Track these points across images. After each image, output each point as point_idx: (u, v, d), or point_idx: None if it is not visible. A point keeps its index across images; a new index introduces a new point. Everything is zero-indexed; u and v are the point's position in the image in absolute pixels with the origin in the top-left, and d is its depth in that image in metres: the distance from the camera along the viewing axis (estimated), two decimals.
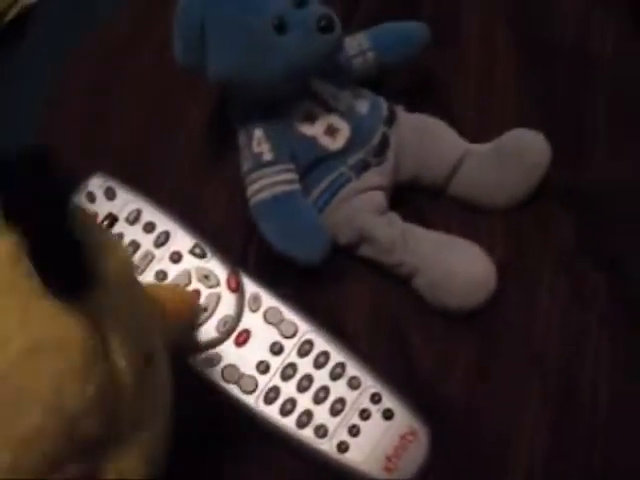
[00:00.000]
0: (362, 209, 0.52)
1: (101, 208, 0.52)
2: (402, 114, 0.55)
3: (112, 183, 0.52)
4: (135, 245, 0.51)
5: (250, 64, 0.48)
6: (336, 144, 0.51)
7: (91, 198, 0.52)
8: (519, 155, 0.54)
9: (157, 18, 0.56)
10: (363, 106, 0.53)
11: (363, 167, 0.52)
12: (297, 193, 0.51)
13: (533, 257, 0.53)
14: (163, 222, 0.51)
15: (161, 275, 0.50)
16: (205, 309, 0.49)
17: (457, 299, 0.50)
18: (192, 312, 0.47)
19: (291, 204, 0.50)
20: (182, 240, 0.51)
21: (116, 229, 0.51)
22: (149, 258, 0.50)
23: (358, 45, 0.55)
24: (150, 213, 0.51)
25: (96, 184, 0.52)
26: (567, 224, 0.54)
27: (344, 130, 0.51)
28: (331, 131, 0.51)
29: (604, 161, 0.56)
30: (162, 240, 0.51)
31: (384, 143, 0.53)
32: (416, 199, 0.56)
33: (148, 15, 0.64)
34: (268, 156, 0.50)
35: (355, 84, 0.55)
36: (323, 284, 0.53)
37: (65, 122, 0.60)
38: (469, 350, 0.51)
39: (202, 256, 0.50)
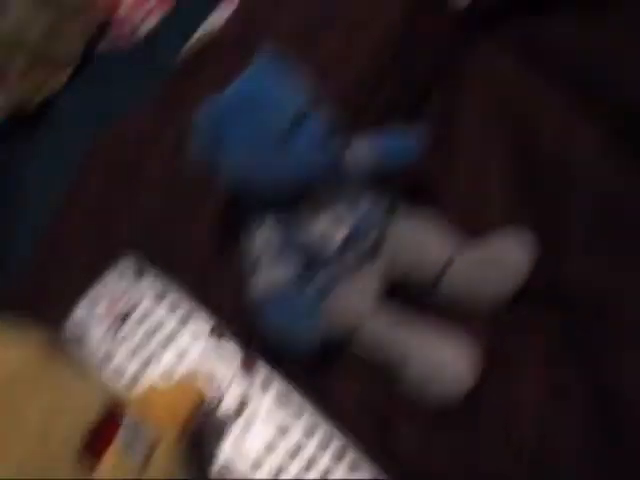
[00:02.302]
0: (355, 305, 0.55)
1: (129, 287, 0.56)
2: (399, 215, 0.59)
3: (141, 265, 0.57)
4: (159, 324, 0.55)
5: (256, 172, 0.52)
6: (335, 242, 0.56)
7: (121, 276, 0.57)
8: (502, 259, 0.58)
9: (172, 115, 0.60)
10: (362, 208, 0.57)
11: (359, 263, 0.56)
12: (295, 288, 0.54)
13: (515, 355, 0.56)
14: (186, 303, 0.56)
15: (182, 353, 0.54)
16: (219, 389, 0.53)
17: (441, 392, 0.53)
18: (202, 407, 0.51)
19: (288, 299, 0.54)
20: (202, 321, 0.55)
21: (141, 308, 0.55)
22: (172, 337, 0.55)
23: (361, 153, 0.59)
24: (174, 295, 0.56)
25: (126, 264, 0.57)
26: (550, 324, 0.57)
27: (343, 229, 0.55)
28: (331, 230, 0.55)
29: (587, 265, 0.59)
30: (184, 319, 0.56)
31: (379, 242, 0.57)
32: (407, 295, 0.59)
33: (164, 112, 0.68)
34: (270, 253, 0.54)
35: (356, 186, 0.59)
36: (316, 373, 0.56)
37: (81, 215, 0.64)
38: (452, 443, 0.53)
39: (220, 336, 0.54)
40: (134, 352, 0.54)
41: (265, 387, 0.52)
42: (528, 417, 0.53)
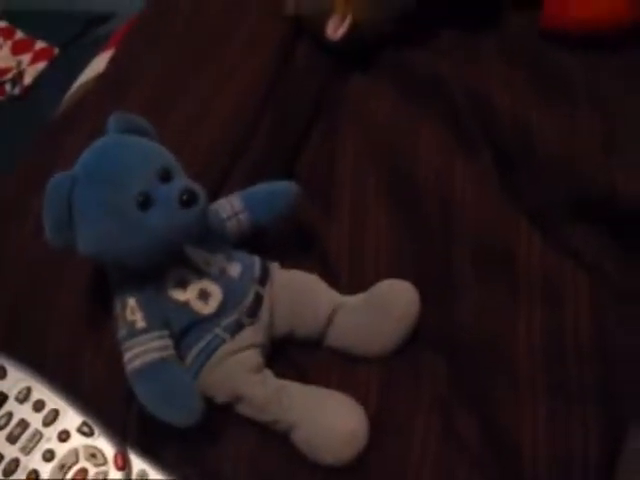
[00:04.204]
0: (236, 369, 0.53)
1: None
2: (276, 272, 0.57)
3: (3, 361, 0.53)
4: (24, 424, 0.51)
5: (117, 242, 0.49)
6: (209, 308, 0.53)
7: None
8: (389, 306, 0.56)
9: (40, 182, 0.57)
10: (235, 269, 0.55)
11: (237, 328, 0.54)
12: (171, 359, 0.52)
13: (407, 404, 0.55)
14: (52, 400, 0.52)
15: (48, 455, 0.50)
16: None
17: (331, 454, 0.51)
18: None
19: (164, 370, 0.51)
20: (70, 418, 0.51)
21: (5, 408, 0.52)
22: (37, 437, 0.51)
23: (231, 207, 0.57)
24: (40, 391, 0.52)
25: None
26: (440, 371, 0.56)
27: (216, 294, 0.53)
28: (203, 296, 0.53)
29: (473, 306, 0.58)
30: (51, 419, 0.51)
31: (257, 303, 0.55)
32: (294, 351, 0.58)
33: (31, 178, 0.65)
34: (141, 324, 0.52)
35: (229, 245, 0.57)
36: (204, 443, 0.53)
37: None
38: None
39: (90, 434, 0.51)
40: None
41: None
42: (421, 474, 0.51)
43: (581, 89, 0.66)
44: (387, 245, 0.62)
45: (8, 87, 0.98)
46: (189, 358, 0.53)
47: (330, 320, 0.56)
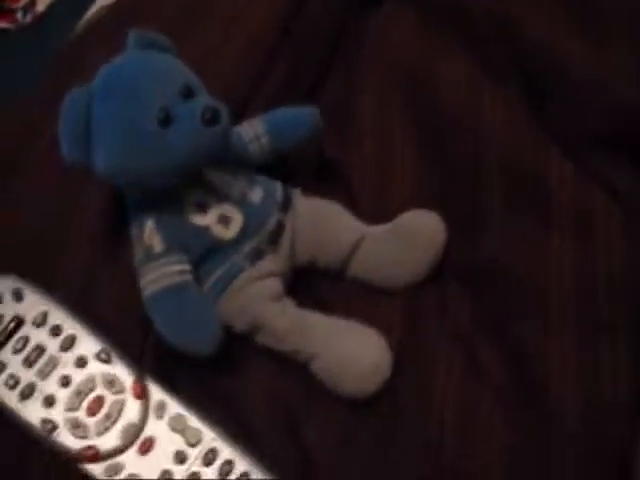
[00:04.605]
0: (256, 298, 0.51)
1: (7, 310, 0.51)
2: (298, 199, 0.55)
3: (20, 284, 0.51)
4: (40, 349, 0.50)
5: (135, 160, 0.47)
6: (229, 233, 0.51)
7: None
8: (414, 235, 0.54)
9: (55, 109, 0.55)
10: (257, 194, 0.53)
11: (257, 255, 0.52)
12: (189, 284, 0.50)
13: (430, 337, 0.54)
14: (70, 325, 0.50)
15: (65, 380, 0.49)
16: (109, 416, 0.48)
17: (352, 385, 0.50)
18: None
19: (183, 295, 0.50)
20: (88, 345, 0.50)
21: (22, 332, 0.50)
22: (54, 362, 0.49)
23: (253, 130, 0.55)
24: (57, 316, 0.50)
25: (4, 285, 0.51)
26: (466, 303, 0.55)
27: (237, 219, 0.51)
28: (224, 220, 0.51)
29: (502, 237, 0.56)
30: (68, 344, 0.50)
31: (279, 230, 0.53)
32: (316, 282, 0.56)
33: (46, 105, 0.63)
34: (159, 247, 0.50)
35: (251, 170, 0.55)
36: (222, 373, 0.52)
37: None
38: (367, 436, 0.50)
39: (107, 361, 0.49)
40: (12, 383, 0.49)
41: (159, 412, 0.48)
42: (445, 402, 0.50)
43: (614, 13, 0.62)
44: (413, 175, 0.60)
45: (19, 15, 0.95)
46: (207, 285, 0.52)
47: (354, 249, 0.54)
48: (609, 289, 0.51)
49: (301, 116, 0.57)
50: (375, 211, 0.58)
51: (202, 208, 0.51)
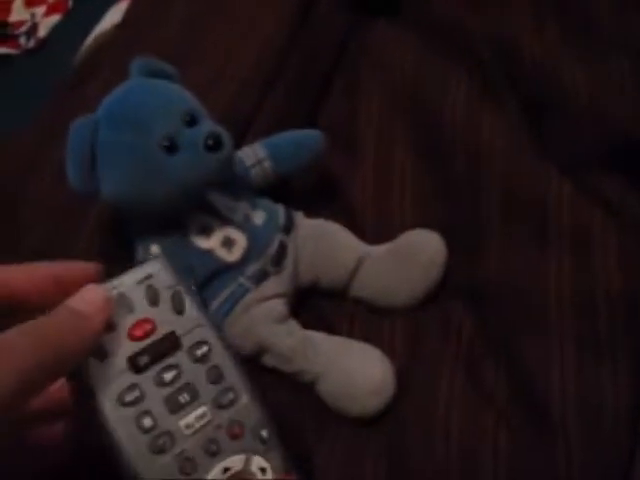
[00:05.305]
0: (261, 319, 0.52)
1: (164, 318, 0.39)
2: (300, 221, 0.56)
3: (181, 287, 0.41)
4: (193, 393, 0.38)
5: (141, 187, 0.48)
6: (233, 256, 0.52)
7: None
8: (415, 255, 0.55)
9: (59, 135, 0.56)
10: (259, 216, 0.54)
11: (262, 277, 0.53)
12: None
13: (434, 357, 0.54)
14: (232, 377, 0.40)
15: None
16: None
17: (357, 406, 0.50)
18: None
19: None
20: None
21: (174, 359, 0.38)
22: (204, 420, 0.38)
23: (255, 155, 0.56)
24: (220, 356, 0.40)
25: (160, 282, 0.40)
26: (467, 322, 0.55)
27: (241, 242, 0.52)
28: (228, 243, 0.52)
29: (501, 256, 0.57)
30: (226, 402, 0.39)
31: (282, 252, 0.54)
32: (320, 302, 0.57)
33: (50, 130, 0.64)
34: None
35: (253, 193, 0.56)
36: None
37: None
38: (375, 458, 0.51)
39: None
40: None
41: None
42: (449, 421, 0.50)
43: (611, 36, 0.64)
44: (413, 195, 0.61)
45: (23, 40, 0.96)
46: (213, 307, 0.53)
47: (356, 270, 0.55)
48: (608, 306, 0.52)
49: (304, 140, 0.57)
50: (376, 231, 0.59)
51: (206, 231, 0.52)
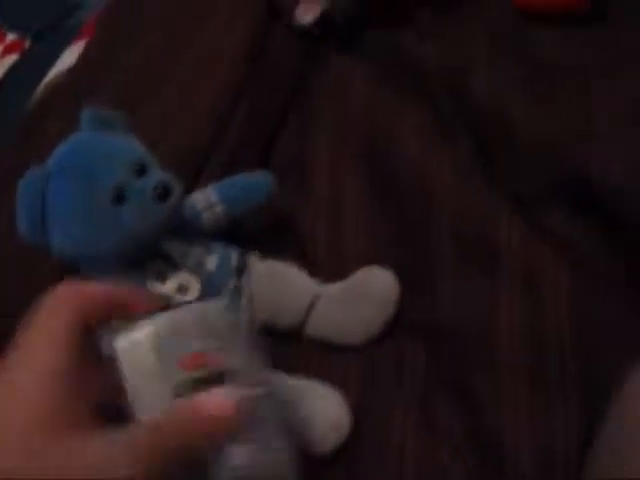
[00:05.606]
0: None
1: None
2: (253, 262, 0.57)
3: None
4: None
5: (91, 237, 0.49)
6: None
7: None
8: (368, 294, 0.56)
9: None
10: (212, 261, 0.54)
11: None
12: None
13: (387, 393, 0.55)
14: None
15: None
16: None
17: (314, 445, 0.51)
18: None
19: None
20: None
21: None
22: None
23: (206, 199, 0.57)
24: None
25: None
26: (421, 358, 0.56)
27: (194, 287, 0.53)
28: (182, 289, 0.53)
29: (453, 295, 0.58)
30: None
31: (236, 294, 0.54)
32: (276, 342, 0.57)
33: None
34: None
35: (206, 237, 0.56)
36: None
37: None
38: None
39: None
40: None
41: None
42: (404, 458, 0.51)
43: (563, 73, 0.65)
44: (366, 233, 0.62)
45: None
46: None
47: (310, 310, 0.56)
48: (558, 344, 0.53)
49: (255, 183, 0.59)
50: (330, 269, 0.60)
51: (161, 277, 0.53)
